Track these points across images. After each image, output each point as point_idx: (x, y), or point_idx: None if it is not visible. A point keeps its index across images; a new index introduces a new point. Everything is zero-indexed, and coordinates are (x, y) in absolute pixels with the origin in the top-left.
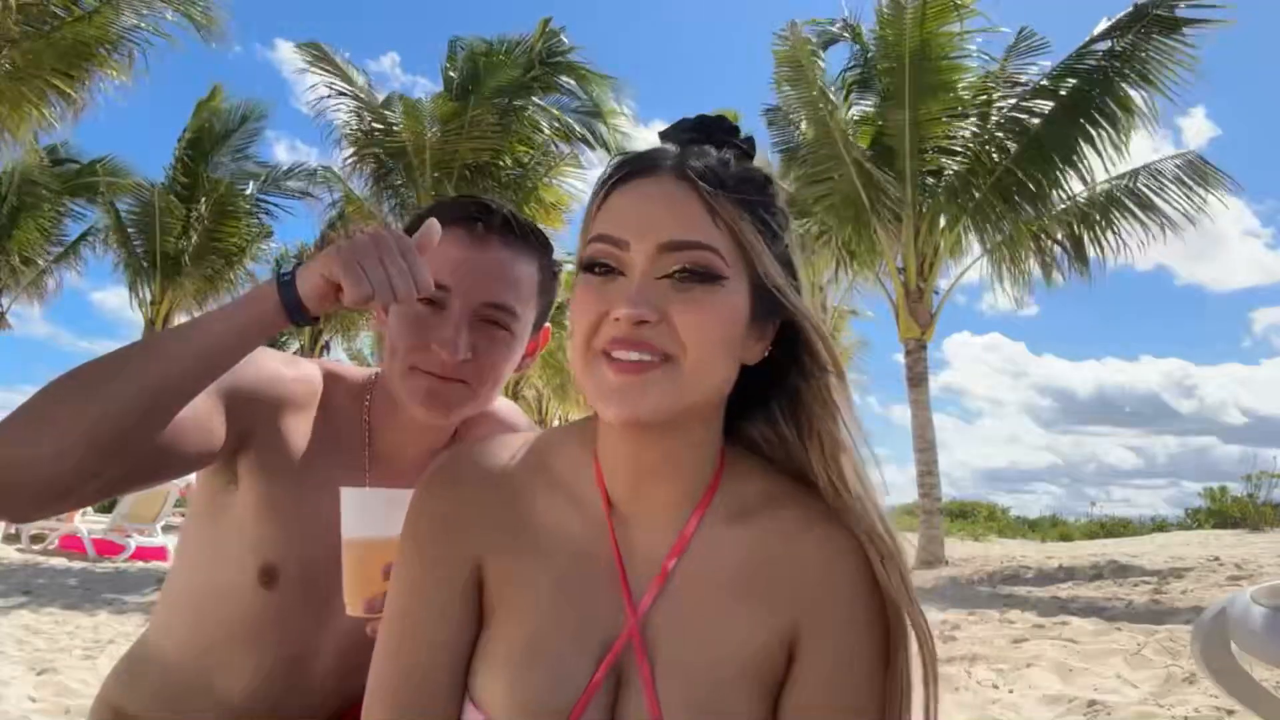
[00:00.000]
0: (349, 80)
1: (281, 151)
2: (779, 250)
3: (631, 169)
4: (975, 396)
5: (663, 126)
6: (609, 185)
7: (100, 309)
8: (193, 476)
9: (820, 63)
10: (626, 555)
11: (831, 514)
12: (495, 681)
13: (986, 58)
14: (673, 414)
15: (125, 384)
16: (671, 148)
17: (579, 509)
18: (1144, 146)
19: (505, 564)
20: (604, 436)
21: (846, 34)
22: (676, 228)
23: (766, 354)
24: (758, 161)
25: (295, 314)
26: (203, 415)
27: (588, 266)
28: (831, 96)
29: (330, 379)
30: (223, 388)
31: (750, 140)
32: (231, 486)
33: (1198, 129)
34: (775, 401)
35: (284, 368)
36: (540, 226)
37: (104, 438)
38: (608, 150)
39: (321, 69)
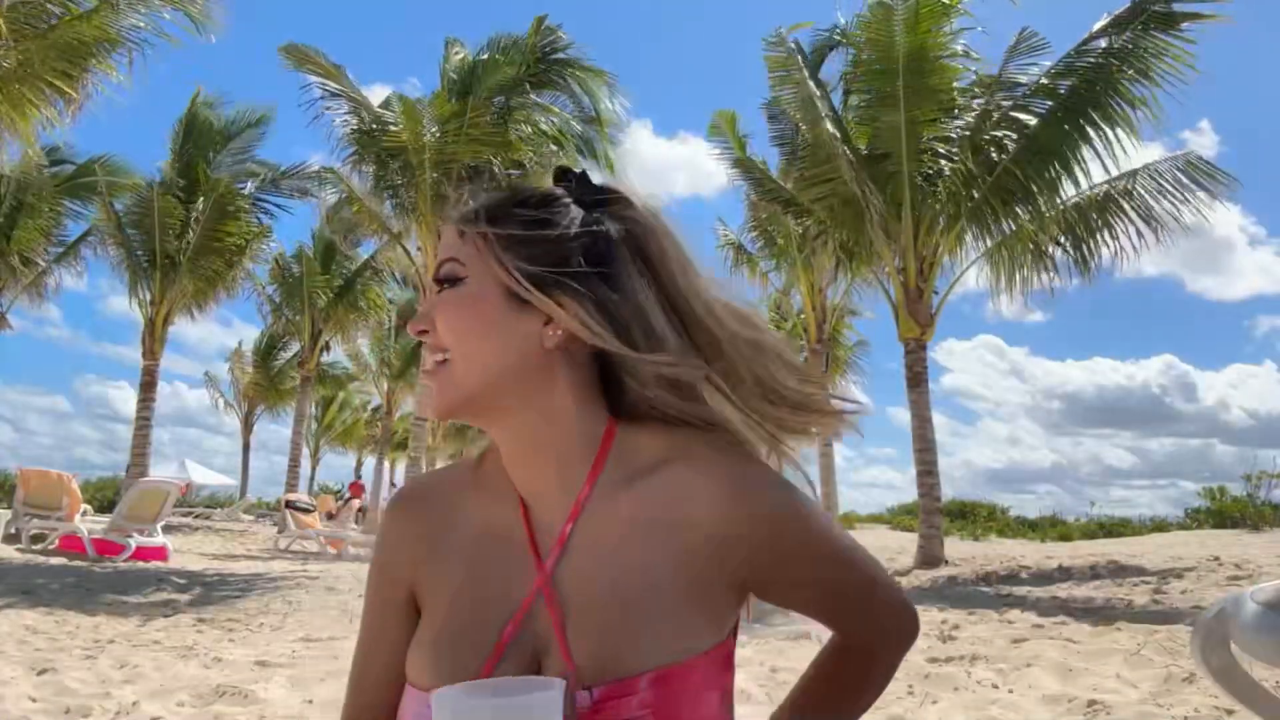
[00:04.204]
0: (337, 80)
1: (282, 153)
2: (535, 248)
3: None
4: (978, 399)
5: (660, 124)
6: None
7: (111, 310)
8: (192, 475)
9: (806, 71)
10: (536, 531)
11: (707, 456)
12: (420, 658)
13: (983, 59)
14: (462, 403)
15: None
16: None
17: (498, 502)
18: (1151, 155)
19: (431, 567)
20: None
21: (840, 38)
22: (439, 255)
23: (560, 335)
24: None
25: None
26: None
27: None
28: (822, 102)
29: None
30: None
31: (544, 194)
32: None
33: (1204, 144)
34: (626, 377)
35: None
36: None
37: None
38: (595, 158)
39: (308, 71)
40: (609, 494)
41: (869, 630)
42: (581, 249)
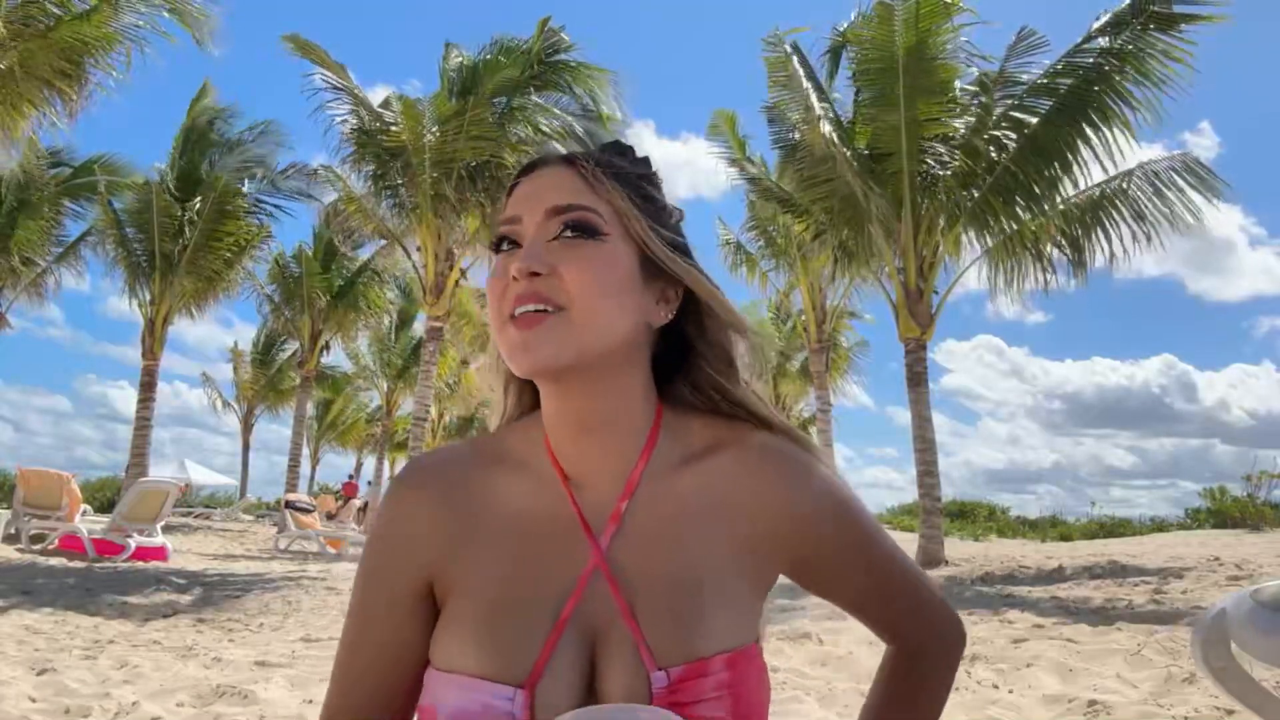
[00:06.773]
0: (338, 74)
1: (282, 156)
2: (663, 224)
3: (530, 166)
4: (978, 399)
5: (663, 125)
6: (514, 182)
7: (111, 310)
8: (192, 475)
9: (803, 72)
10: (583, 509)
11: (766, 445)
12: (458, 642)
13: (983, 59)
14: (574, 360)
15: None
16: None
17: (535, 482)
18: (1150, 155)
19: (460, 555)
20: (544, 408)
21: (840, 37)
22: (559, 196)
23: (671, 318)
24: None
25: None
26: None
27: (496, 247)
28: (820, 103)
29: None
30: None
31: (646, 159)
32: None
33: (1204, 145)
34: (693, 363)
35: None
36: None
37: None
38: None
39: (309, 60)
40: (662, 474)
41: (919, 633)
42: (680, 231)
